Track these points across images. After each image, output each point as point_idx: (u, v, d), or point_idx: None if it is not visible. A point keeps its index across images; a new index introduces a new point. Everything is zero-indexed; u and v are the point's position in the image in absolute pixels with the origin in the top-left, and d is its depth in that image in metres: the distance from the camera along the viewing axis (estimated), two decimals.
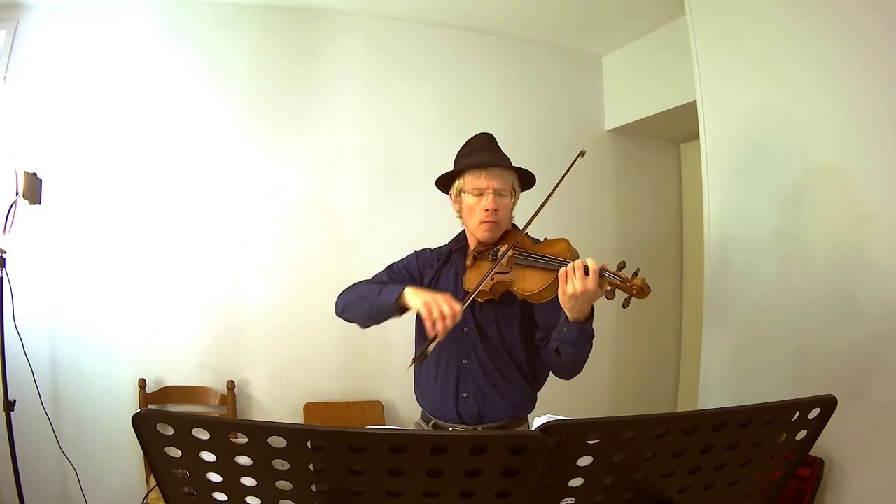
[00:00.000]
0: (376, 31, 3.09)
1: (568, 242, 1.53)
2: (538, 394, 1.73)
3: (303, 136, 2.98)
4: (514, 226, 1.70)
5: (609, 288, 1.36)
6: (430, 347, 1.47)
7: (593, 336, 1.46)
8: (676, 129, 3.33)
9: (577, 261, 1.36)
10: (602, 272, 1.35)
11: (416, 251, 1.82)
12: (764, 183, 2.24)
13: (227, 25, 2.90)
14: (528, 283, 1.50)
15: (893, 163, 1.81)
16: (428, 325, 1.42)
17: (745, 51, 2.29)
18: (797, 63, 2.09)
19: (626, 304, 1.36)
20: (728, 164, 2.40)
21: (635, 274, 1.35)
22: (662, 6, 2.85)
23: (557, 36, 3.30)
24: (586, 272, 1.33)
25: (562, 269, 1.36)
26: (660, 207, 3.60)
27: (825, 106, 2.01)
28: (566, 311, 1.40)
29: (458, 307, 1.42)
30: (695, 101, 2.53)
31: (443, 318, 1.40)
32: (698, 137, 2.54)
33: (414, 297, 1.49)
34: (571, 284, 1.34)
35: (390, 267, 1.79)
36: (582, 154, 1.55)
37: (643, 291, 1.33)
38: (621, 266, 1.38)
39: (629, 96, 3.34)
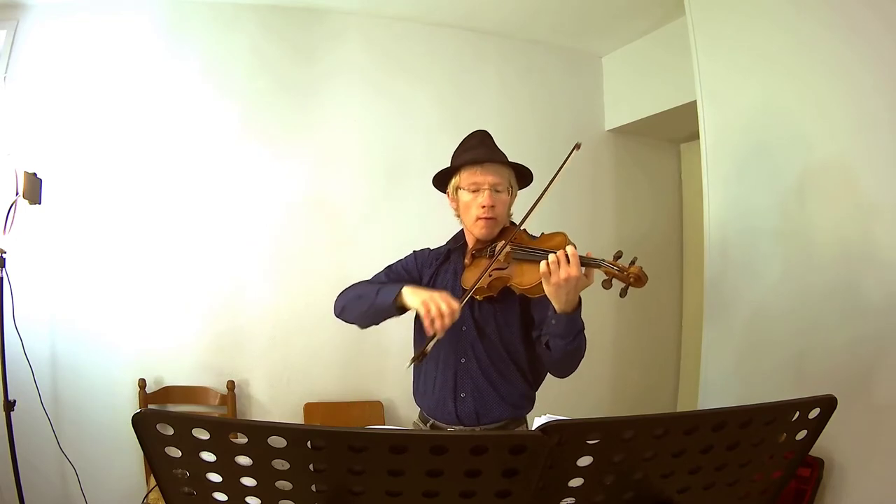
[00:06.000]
0: (376, 31, 3.09)
1: (565, 236, 1.52)
2: (537, 393, 1.72)
3: (303, 136, 2.98)
4: (513, 223, 1.69)
5: (606, 277, 1.36)
6: (430, 346, 1.46)
7: (583, 329, 1.45)
8: (676, 129, 3.33)
9: (558, 250, 1.36)
10: (600, 262, 1.36)
11: (414, 251, 1.82)
12: (764, 182, 2.24)
13: (227, 25, 2.90)
14: (525, 277, 1.50)
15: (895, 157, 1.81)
16: (427, 323, 1.41)
17: (746, 50, 2.29)
18: (797, 62, 2.09)
19: (623, 293, 1.35)
20: (728, 164, 2.40)
21: (632, 262, 1.35)
22: (662, 6, 2.85)
23: (557, 36, 3.30)
24: (568, 260, 1.34)
25: (543, 262, 1.36)
26: (660, 207, 3.60)
27: (826, 103, 2.01)
28: (553, 302, 1.40)
29: (455, 305, 1.41)
30: (695, 101, 2.53)
31: (441, 315, 1.39)
32: (698, 137, 2.53)
33: (412, 295, 1.48)
34: (555, 273, 1.34)
35: (389, 268, 1.79)
36: (577, 147, 1.55)
37: (640, 280, 1.32)
38: (618, 255, 1.38)
39: (629, 96, 3.34)
